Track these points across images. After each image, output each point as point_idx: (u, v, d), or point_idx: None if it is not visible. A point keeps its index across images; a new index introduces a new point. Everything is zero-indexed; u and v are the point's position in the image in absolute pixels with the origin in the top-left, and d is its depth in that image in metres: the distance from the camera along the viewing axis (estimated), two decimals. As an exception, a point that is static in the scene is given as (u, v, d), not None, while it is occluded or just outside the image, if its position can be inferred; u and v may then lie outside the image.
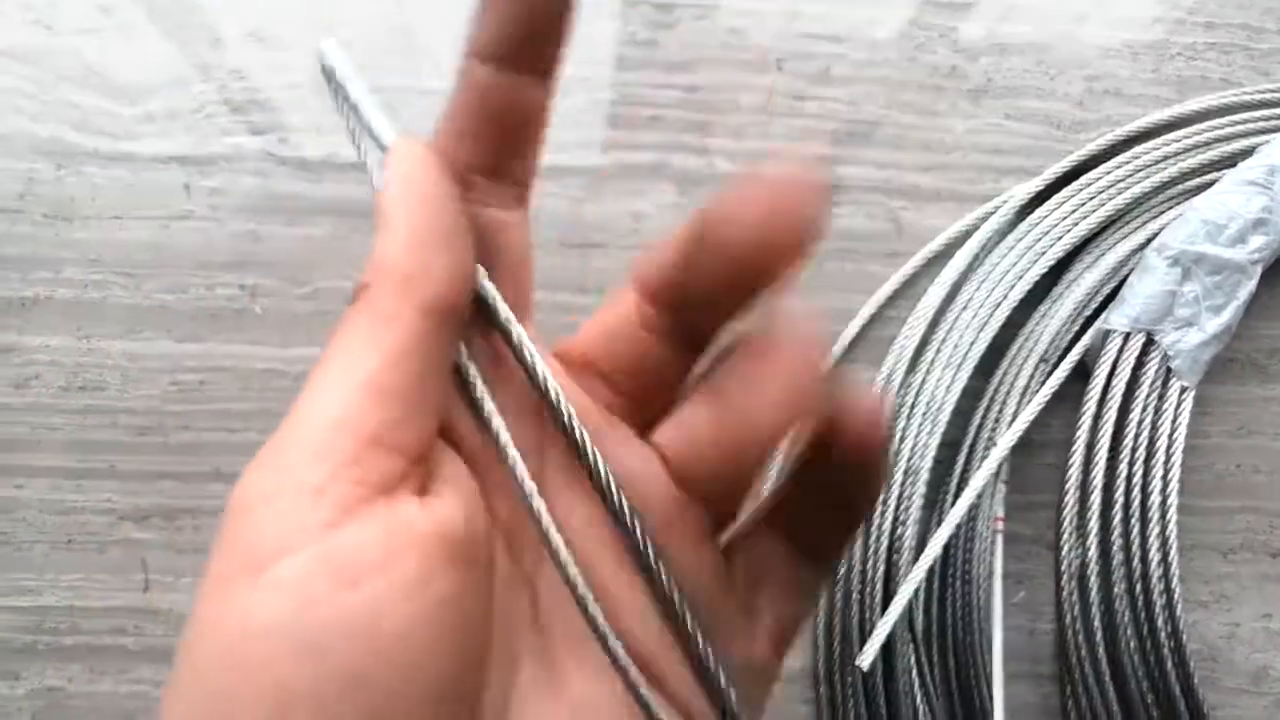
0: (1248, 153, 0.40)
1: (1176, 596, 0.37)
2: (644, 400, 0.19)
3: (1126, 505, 0.38)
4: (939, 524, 0.38)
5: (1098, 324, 0.39)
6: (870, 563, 0.37)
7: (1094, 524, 0.37)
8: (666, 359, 0.19)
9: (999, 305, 0.39)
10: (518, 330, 0.18)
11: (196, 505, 0.38)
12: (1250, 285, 0.38)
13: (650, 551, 0.17)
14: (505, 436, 0.17)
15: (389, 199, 0.17)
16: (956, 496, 0.38)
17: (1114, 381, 0.38)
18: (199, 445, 0.38)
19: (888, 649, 0.37)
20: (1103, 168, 0.40)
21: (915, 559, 0.37)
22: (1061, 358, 0.39)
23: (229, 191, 0.39)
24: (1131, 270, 0.39)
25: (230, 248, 0.39)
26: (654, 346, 0.19)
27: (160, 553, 0.38)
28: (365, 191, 0.40)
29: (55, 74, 0.40)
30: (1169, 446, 0.38)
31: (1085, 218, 0.39)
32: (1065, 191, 0.40)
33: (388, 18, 0.41)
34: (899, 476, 0.38)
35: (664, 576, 0.17)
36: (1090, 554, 0.37)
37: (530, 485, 0.17)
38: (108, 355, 0.38)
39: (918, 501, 0.37)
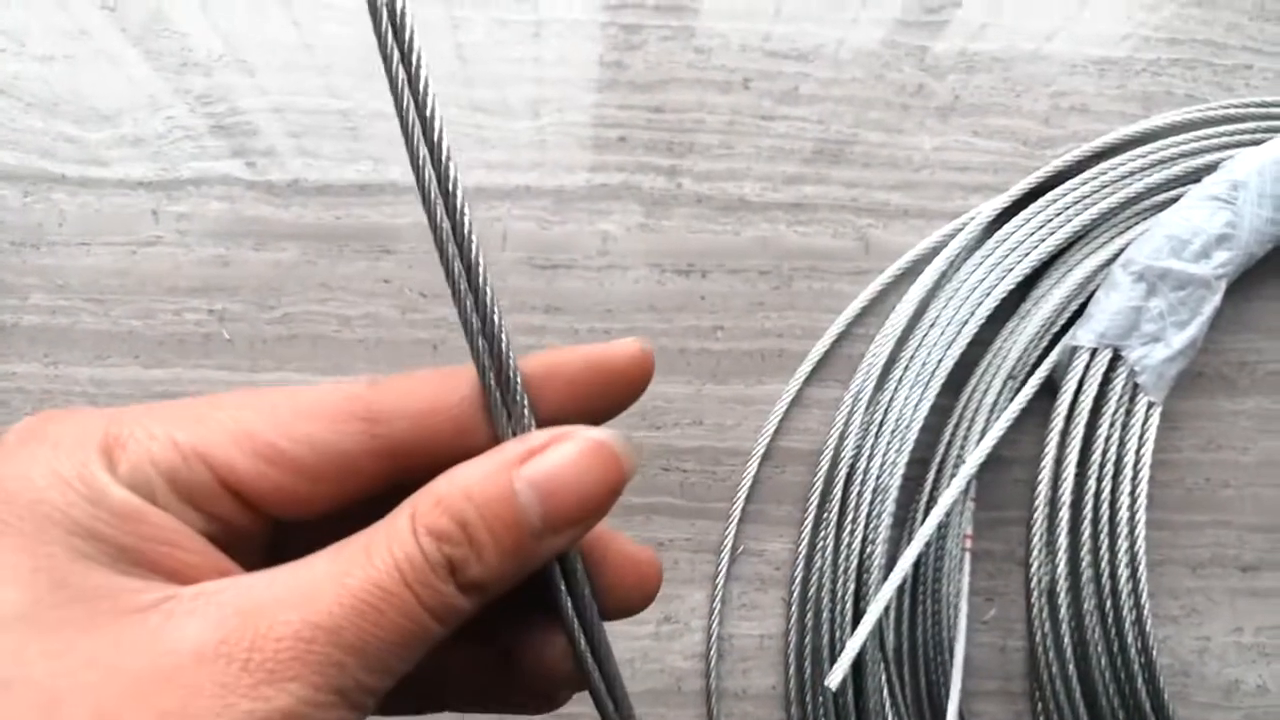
0: (1212, 168, 0.40)
1: (1146, 612, 0.37)
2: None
3: (1095, 521, 0.38)
4: (909, 542, 0.38)
5: (1065, 340, 0.39)
6: (840, 581, 0.37)
7: (1063, 540, 0.37)
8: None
9: (966, 322, 0.39)
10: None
11: (165, 531, 0.38)
12: (1215, 300, 0.38)
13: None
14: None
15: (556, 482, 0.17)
16: (926, 514, 0.38)
17: (1081, 397, 0.38)
18: (167, 471, 0.38)
19: (858, 668, 0.37)
20: (1069, 184, 0.40)
21: (885, 577, 0.37)
22: (1029, 374, 0.39)
23: (197, 216, 0.39)
24: (1098, 286, 0.39)
25: (198, 273, 0.39)
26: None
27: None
28: (333, 215, 0.40)
29: (24, 100, 0.40)
30: (1136, 462, 0.38)
31: (1052, 234, 0.40)
32: (1032, 208, 0.40)
33: (361, 41, 0.41)
34: (868, 494, 0.38)
35: None
36: (1060, 570, 0.37)
37: None
38: (75, 381, 0.38)
39: (887, 520, 0.37)
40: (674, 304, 0.40)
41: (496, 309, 0.18)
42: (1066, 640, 0.37)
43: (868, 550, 0.37)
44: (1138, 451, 0.38)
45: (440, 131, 0.18)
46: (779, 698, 0.38)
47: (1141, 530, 0.37)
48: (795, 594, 0.38)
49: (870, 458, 0.38)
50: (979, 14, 0.43)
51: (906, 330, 0.40)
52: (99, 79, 0.40)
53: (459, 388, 0.18)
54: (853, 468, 0.38)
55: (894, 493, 0.38)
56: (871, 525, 0.38)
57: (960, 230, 0.41)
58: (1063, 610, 0.37)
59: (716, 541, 0.39)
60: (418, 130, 0.18)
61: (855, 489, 0.38)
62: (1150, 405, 0.38)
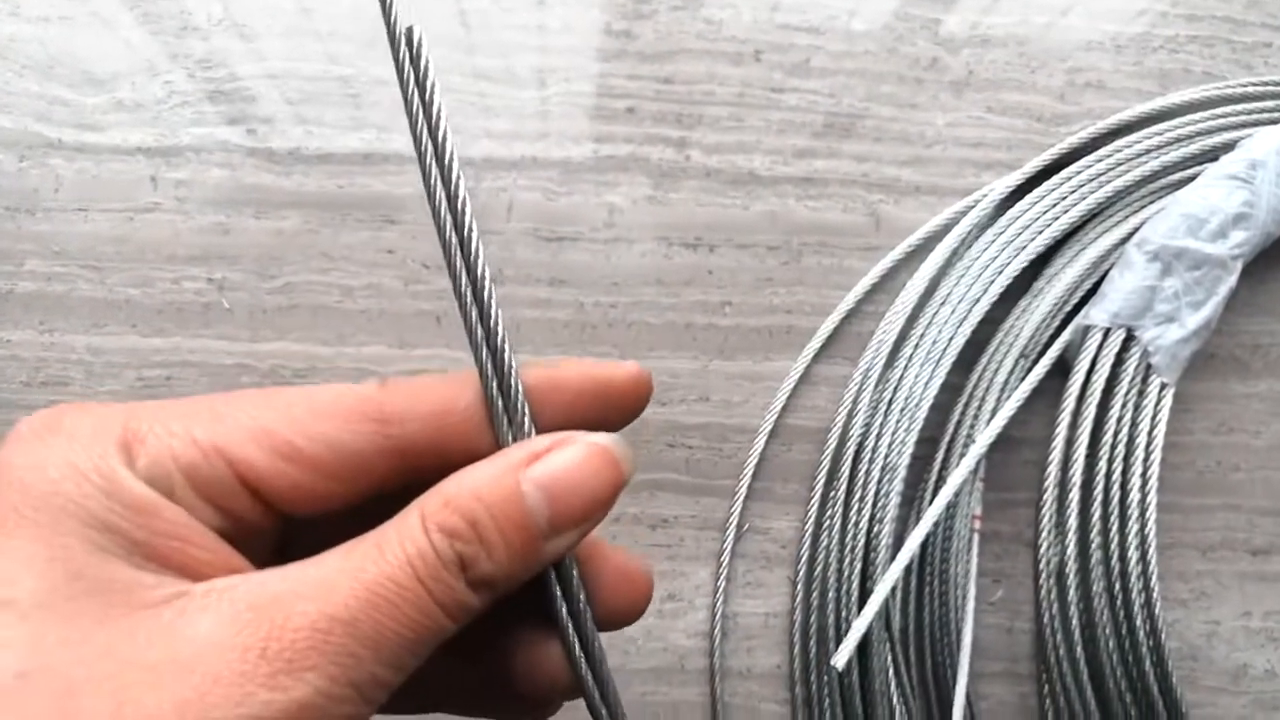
0: (1229, 146, 0.39)
1: (1155, 595, 0.36)
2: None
3: (1105, 503, 0.37)
4: (916, 521, 0.37)
5: (1078, 320, 0.38)
6: (846, 561, 0.37)
7: (1073, 522, 0.37)
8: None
9: (978, 300, 0.38)
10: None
11: (162, 503, 0.37)
12: (1231, 281, 0.38)
13: None
14: None
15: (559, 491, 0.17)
16: (934, 493, 0.37)
17: (1094, 378, 0.38)
18: (165, 442, 0.37)
19: (864, 648, 0.36)
20: (1083, 161, 0.40)
21: (892, 557, 0.37)
22: (1041, 353, 0.38)
23: (196, 183, 0.39)
24: (1112, 265, 0.39)
25: (197, 241, 0.38)
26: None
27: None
28: (335, 184, 0.39)
29: (19, 63, 0.39)
30: (1148, 443, 0.37)
31: (1066, 212, 0.39)
32: (1046, 185, 0.40)
33: (365, 8, 0.40)
34: (876, 473, 0.37)
35: None
36: (1069, 552, 0.37)
37: None
38: (71, 350, 0.38)
39: (895, 499, 0.37)
40: (681, 278, 0.39)
41: (501, 324, 0.19)
42: (1074, 622, 0.37)
43: (875, 529, 0.37)
44: (1149, 433, 0.38)
45: (452, 155, 0.19)
46: (783, 677, 0.38)
47: (1152, 513, 0.37)
48: (801, 573, 0.38)
49: (879, 436, 0.38)
50: (994, -13, 0.42)
51: (917, 308, 0.39)
52: (96, 42, 0.39)
53: (465, 393, 0.19)
54: (861, 446, 0.38)
55: (902, 472, 0.37)
56: (879, 504, 0.37)
57: (972, 207, 0.40)
58: (1071, 592, 0.37)
59: (722, 519, 0.38)
60: (430, 153, 0.19)
61: (863, 467, 0.38)
62: (1163, 386, 0.38)
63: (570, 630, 0.19)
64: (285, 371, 0.38)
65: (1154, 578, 0.36)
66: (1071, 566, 0.37)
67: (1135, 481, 0.37)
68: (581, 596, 0.19)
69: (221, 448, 0.17)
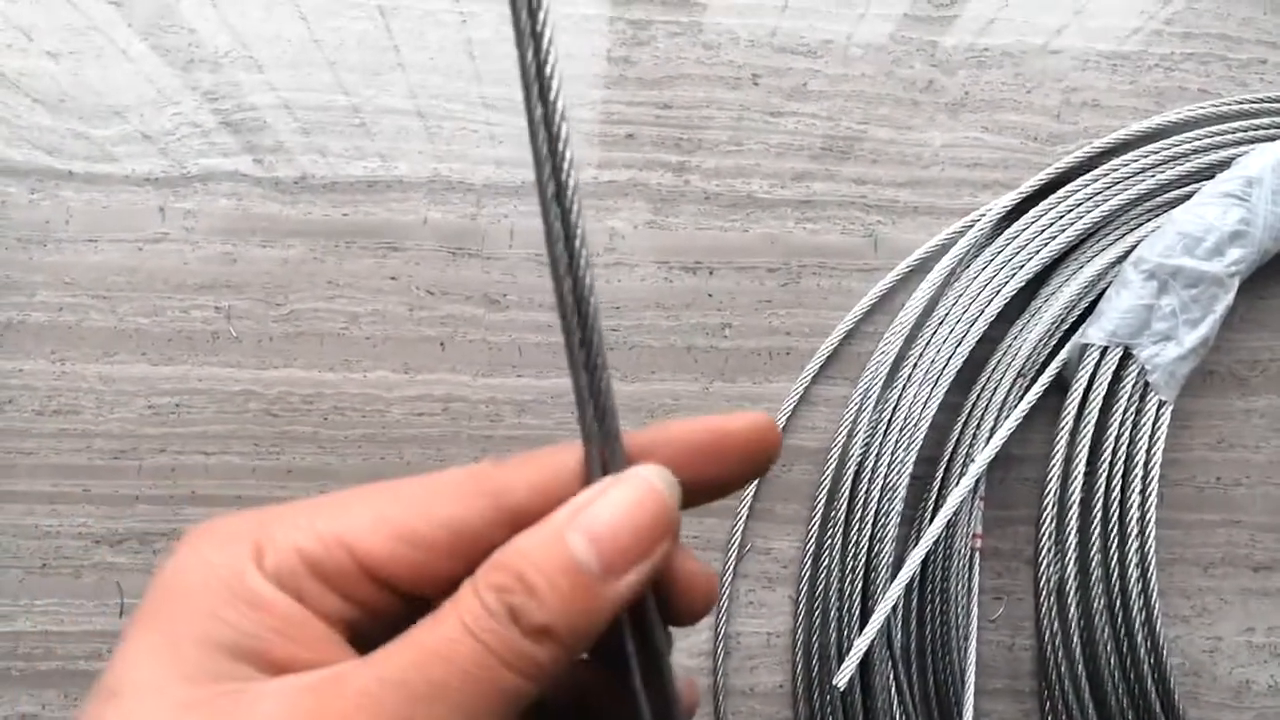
0: (1225, 164, 0.40)
1: (1156, 611, 0.37)
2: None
3: (1105, 520, 0.37)
4: (917, 540, 0.37)
5: (1075, 338, 0.39)
6: (848, 580, 0.37)
7: (1072, 539, 0.37)
8: None
9: (976, 320, 0.39)
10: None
11: (172, 529, 0.38)
12: (1228, 298, 0.38)
13: None
14: None
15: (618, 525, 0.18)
16: (934, 513, 0.38)
17: (1091, 396, 0.38)
18: (175, 469, 0.38)
19: (865, 667, 0.37)
20: (1080, 181, 0.40)
21: (893, 576, 0.37)
22: (1039, 372, 0.39)
23: (204, 213, 0.39)
24: (1109, 284, 0.39)
25: (205, 270, 0.39)
26: None
27: (136, 576, 0.38)
28: (340, 212, 0.40)
29: (29, 96, 0.40)
30: (1147, 460, 0.38)
31: (1062, 231, 0.39)
32: (1042, 205, 0.40)
33: (371, 38, 0.41)
34: (876, 493, 0.38)
35: None
36: (1069, 569, 0.37)
37: None
38: (82, 378, 0.38)
39: (895, 518, 0.37)
40: (681, 301, 0.40)
41: (609, 389, 0.18)
42: (1075, 640, 0.37)
43: (875, 549, 0.37)
44: (1148, 450, 0.38)
45: (579, 220, 0.18)
46: (786, 696, 0.38)
47: (1152, 529, 0.37)
48: (803, 592, 0.38)
49: (878, 456, 0.38)
50: (988, 8, 0.42)
51: (915, 328, 0.39)
52: (106, 74, 0.40)
53: (572, 457, 0.19)
54: (861, 466, 0.38)
55: (902, 491, 0.37)
56: (879, 524, 0.38)
57: (970, 227, 0.40)
58: (1071, 609, 0.37)
59: (724, 539, 0.39)
60: (555, 208, 0.18)
61: (863, 487, 0.38)
62: (1161, 404, 0.38)
63: (640, 679, 0.19)
64: (293, 398, 0.38)
65: (1155, 594, 0.37)
66: (1072, 584, 0.37)
67: (1135, 498, 0.37)
68: (657, 634, 0.19)
69: (343, 538, 0.18)
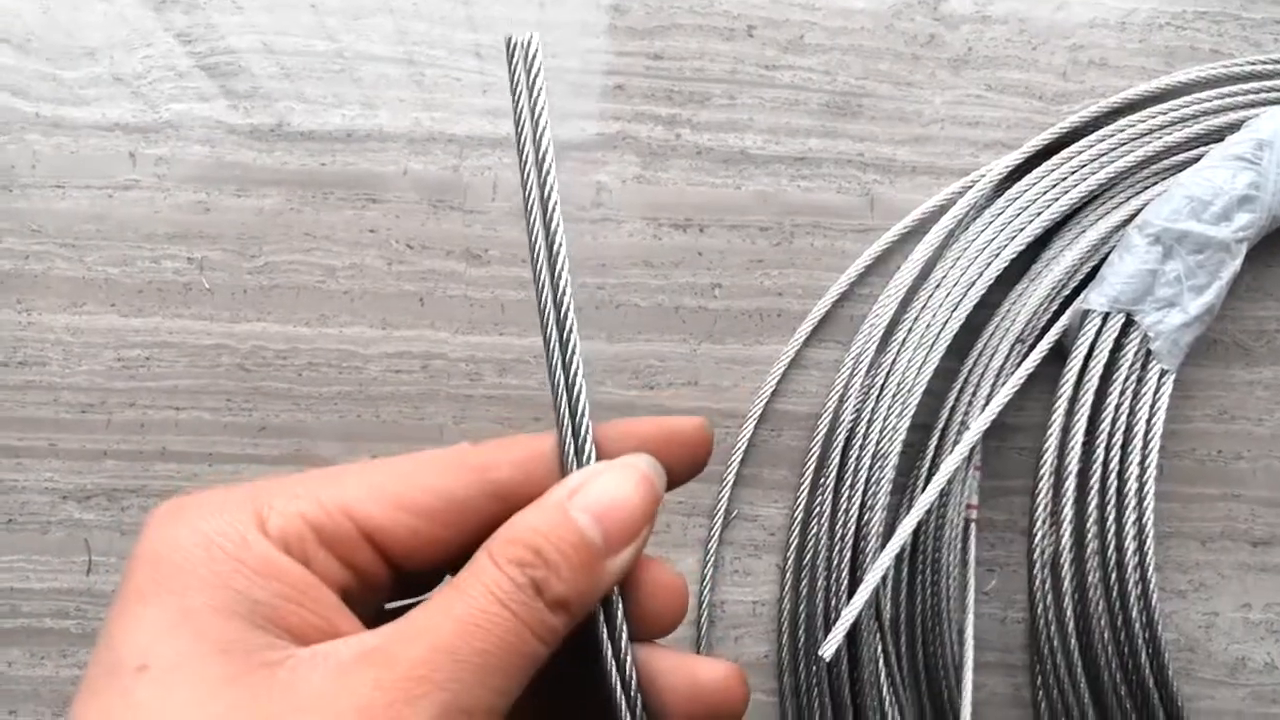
0: (1236, 127, 0.38)
1: (1152, 586, 0.36)
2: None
3: (1103, 491, 0.36)
4: (908, 510, 0.36)
5: (1076, 304, 0.37)
6: (836, 549, 0.36)
7: (1069, 511, 0.36)
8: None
9: (974, 284, 0.38)
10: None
11: (141, 485, 0.37)
12: (1235, 265, 0.37)
13: None
14: None
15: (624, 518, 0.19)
16: (927, 481, 0.37)
17: (1092, 364, 0.37)
18: (144, 423, 0.37)
19: (853, 637, 0.36)
20: (1084, 141, 0.39)
21: (883, 545, 0.36)
22: (1038, 339, 0.38)
23: (176, 160, 0.38)
24: (1112, 248, 0.38)
25: (177, 219, 0.38)
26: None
27: (103, 533, 0.36)
28: (318, 162, 0.38)
29: (-4, 37, 0.38)
30: (1147, 431, 0.37)
31: (1065, 193, 0.38)
32: (1045, 166, 0.39)
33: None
34: (867, 460, 0.37)
35: None
36: (1064, 541, 0.36)
37: None
38: (49, 329, 0.37)
39: (886, 486, 0.36)
40: (670, 259, 0.38)
41: (584, 384, 0.20)
42: (1069, 613, 0.36)
43: (865, 517, 0.36)
44: (1149, 421, 0.37)
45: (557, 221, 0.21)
46: (771, 666, 0.37)
47: (1150, 502, 0.36)
48: (790, 560, 0.37)
49: (870, 422, 0.37)
50: (996, -38, 0.41)
51: (911, 291, 0.38)
52: (76, 14, 0.38)
53: (548, 442, 0.21)
54: (852, 432, 0.37)
55: (894, 459, 0.36)
56: (870, 491, 0.36)
57: (970, 188, 0.39)
58: (1066, 582, 0.36)
59: (710, 505, 0.38)
60: (536, 196, 0.21)
61: (854, 454, 0.37)
62: (1163, 373, 0.37)
63: (610, 655, 0.20)
64: (266, 353, 0.37)
65: (1151, 568, 0.36)
66: (1067, 556, 0.36)
67: (1133, 470, 0.36)
68: (620, 614, 0.20)
69: (345, 506, 0.19)
